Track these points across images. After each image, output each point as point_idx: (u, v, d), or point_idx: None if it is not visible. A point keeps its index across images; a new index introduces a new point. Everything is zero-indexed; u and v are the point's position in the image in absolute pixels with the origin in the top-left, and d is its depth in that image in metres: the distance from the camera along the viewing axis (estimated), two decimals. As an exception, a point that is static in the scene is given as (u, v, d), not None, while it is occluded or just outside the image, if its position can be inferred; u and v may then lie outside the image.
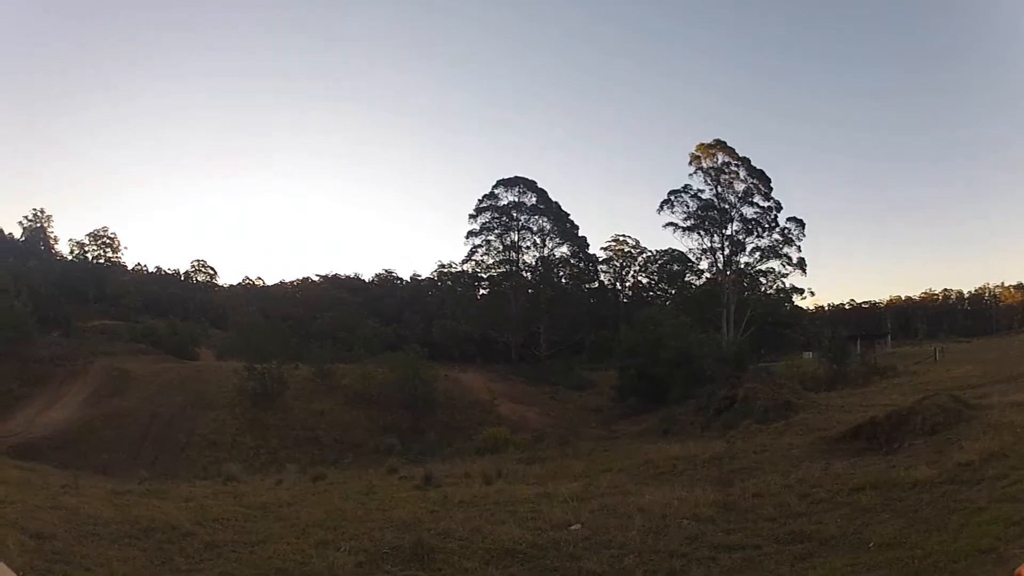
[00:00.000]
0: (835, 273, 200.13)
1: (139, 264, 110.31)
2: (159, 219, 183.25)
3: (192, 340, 69.56)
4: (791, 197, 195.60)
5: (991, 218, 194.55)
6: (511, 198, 78.82)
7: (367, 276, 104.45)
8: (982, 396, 25.46)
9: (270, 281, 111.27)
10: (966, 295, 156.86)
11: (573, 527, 11.98)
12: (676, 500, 13.74)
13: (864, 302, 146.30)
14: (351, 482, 22.54)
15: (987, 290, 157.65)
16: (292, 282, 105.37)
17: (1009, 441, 14.54)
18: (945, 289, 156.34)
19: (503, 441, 33.89)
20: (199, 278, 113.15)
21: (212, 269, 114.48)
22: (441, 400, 44.27)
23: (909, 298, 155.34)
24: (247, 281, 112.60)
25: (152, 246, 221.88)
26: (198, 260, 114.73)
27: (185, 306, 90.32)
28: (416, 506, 15.37)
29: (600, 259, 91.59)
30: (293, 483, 22.90)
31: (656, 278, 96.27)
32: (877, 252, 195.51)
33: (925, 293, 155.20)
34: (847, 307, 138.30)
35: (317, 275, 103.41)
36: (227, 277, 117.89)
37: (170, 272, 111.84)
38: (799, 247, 76.29)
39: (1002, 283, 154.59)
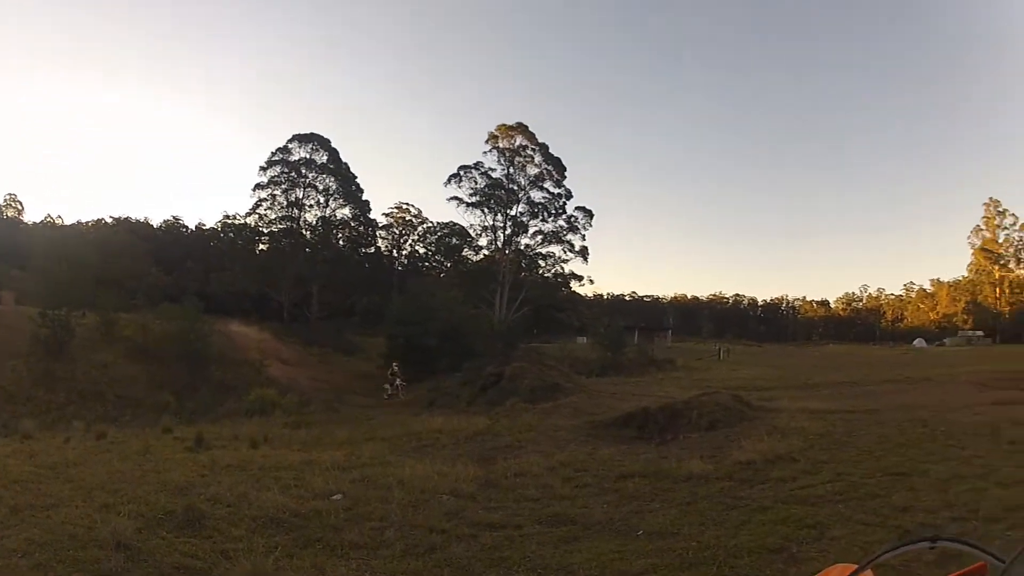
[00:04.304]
0: (621, 265, 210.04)
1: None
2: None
3: (-6, 283, 65.43)
4: (586, 188, 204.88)
5: (796, 234, 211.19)
6: (303, 154, 78.76)
7: (156, 221, 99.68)
8: (770, 399, 26.67)
9: (69, 220, 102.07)
10: (760, 302, 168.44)
11: (335, 497, 12.27)
12: (437, 474, 14.10)
13: (647, 295, 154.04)
14: (130, 441, 22.15)
15: (785, 300, 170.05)
16: (88, 223, 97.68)
17: (798, 445, 15.39)
18: (737, 294, 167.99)
19: (271, 403, 33.89)
20: (8, 213, 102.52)
21: (20, 204, 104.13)
22: (215, 357, 43.63)
23: (696, 297, 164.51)
24: (48, 219, 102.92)
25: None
26: (10, 194, 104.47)
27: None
28: (188, 469, 15.47)
29: (380, 224, 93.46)
30: (79, 441, 22.33)
31: (434, 249, 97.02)
32: (668, 250, 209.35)
33: (714, 295, 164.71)
34: (628, 298, 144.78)
35: (111, 216, 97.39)
36: (32, 214, 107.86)
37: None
38: (584, 235, 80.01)
39: (804, 297, 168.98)
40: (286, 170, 78.10)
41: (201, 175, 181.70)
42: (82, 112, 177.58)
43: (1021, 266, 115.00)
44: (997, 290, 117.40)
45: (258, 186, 78.06)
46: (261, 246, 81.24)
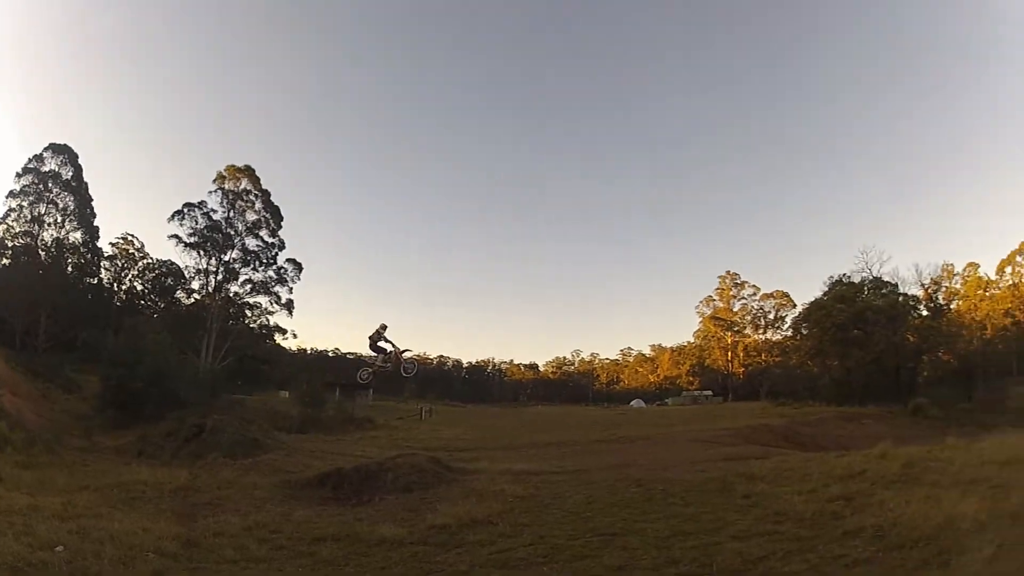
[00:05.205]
0: (326, 321, 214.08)
1: None
2: None
3: None
4: (298, 241, 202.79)
5: (506, 301, 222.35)
6: (53, 166, 75.39)
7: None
8: (471, 460, 26.98)
9: None
10: (465, 364, 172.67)
11: (58, 549, 12.05)
12: (142, 530, 13.67)
13: (350, 353, 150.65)
14: None
15: (491, 363, 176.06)
16: None
17: (497, 509, 15.35)
18: (441, 355, 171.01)
19: (4, 439, 30.04)
20: None
21: None
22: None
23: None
24: None
25: None
26: None
27: None
28: (-63, 505, 14.43)
29: (106, 254, 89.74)
30: None
31: (150, 287, 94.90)
32: (372, 309, 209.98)
33: (417, 355, 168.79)
34: (331, 354, 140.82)
35: None
36: None
37: None
38: (291, 288, 79.35)
39: (511, 360, 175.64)
40: (36, 181, 74.51)
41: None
42: None
43: (759, 332, 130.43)
44: (729, 353, 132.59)
45: (11, 194, 74.18)
46: (5, 261, 74.79)
